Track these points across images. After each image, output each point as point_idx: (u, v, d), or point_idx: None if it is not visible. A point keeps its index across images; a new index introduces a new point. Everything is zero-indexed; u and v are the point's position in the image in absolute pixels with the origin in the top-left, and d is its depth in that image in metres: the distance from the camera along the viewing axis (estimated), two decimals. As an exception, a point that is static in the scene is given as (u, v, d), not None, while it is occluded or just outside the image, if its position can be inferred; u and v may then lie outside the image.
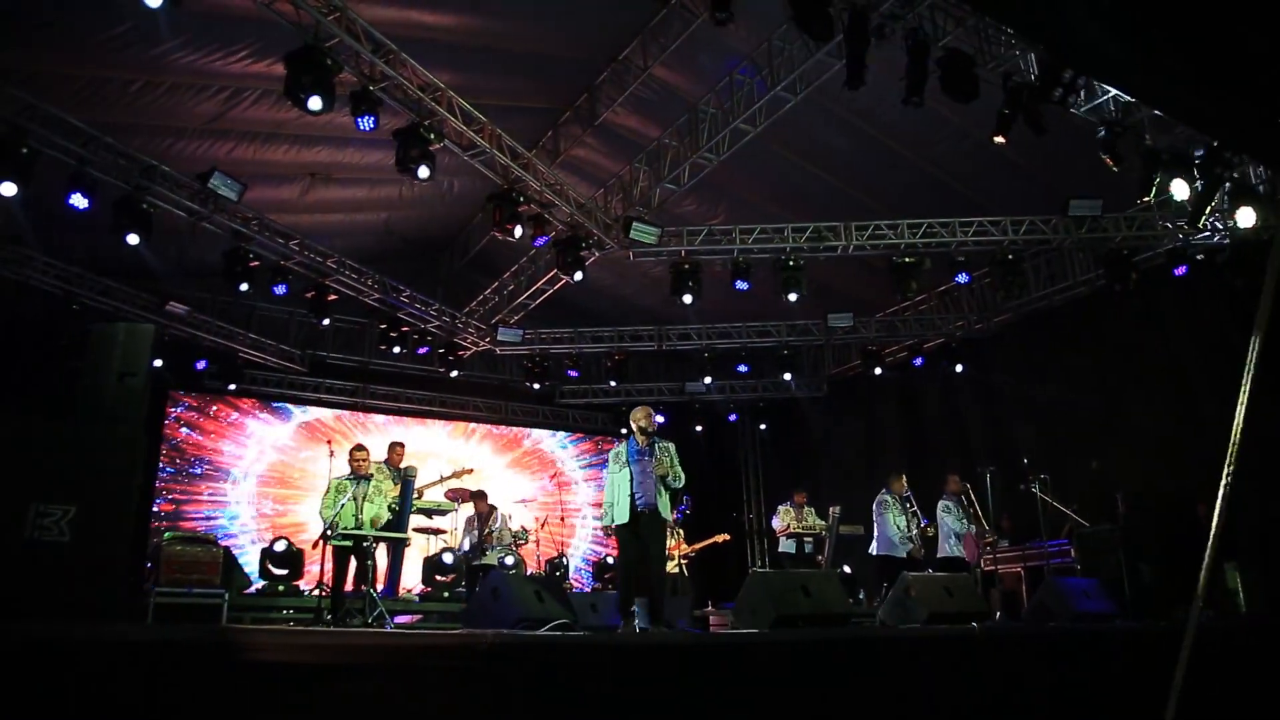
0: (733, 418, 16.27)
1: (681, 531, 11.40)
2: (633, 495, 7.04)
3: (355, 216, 12.39)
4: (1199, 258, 10.33)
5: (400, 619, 8.34)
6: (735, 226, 10.73)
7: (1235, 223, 9.09)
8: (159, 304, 11.59)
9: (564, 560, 12.00)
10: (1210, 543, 4.76)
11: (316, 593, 7.52)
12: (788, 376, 14.16)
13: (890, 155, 10.52)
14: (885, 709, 5.68)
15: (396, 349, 12.44)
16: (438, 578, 9.34)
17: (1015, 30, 7.13)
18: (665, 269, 11.02)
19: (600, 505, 7.96)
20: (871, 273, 12.05)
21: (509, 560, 10.63)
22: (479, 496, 10.70)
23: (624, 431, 8.05)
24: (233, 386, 12.90)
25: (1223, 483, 4.85)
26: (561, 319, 13.93)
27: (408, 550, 9.64)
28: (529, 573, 11.14)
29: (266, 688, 3.79)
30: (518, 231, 9.12)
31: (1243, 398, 4.86)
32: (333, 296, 11.22)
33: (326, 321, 11.80)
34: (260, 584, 8.67)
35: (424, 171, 7.84)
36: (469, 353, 13.60)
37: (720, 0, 6.42)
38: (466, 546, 10.11)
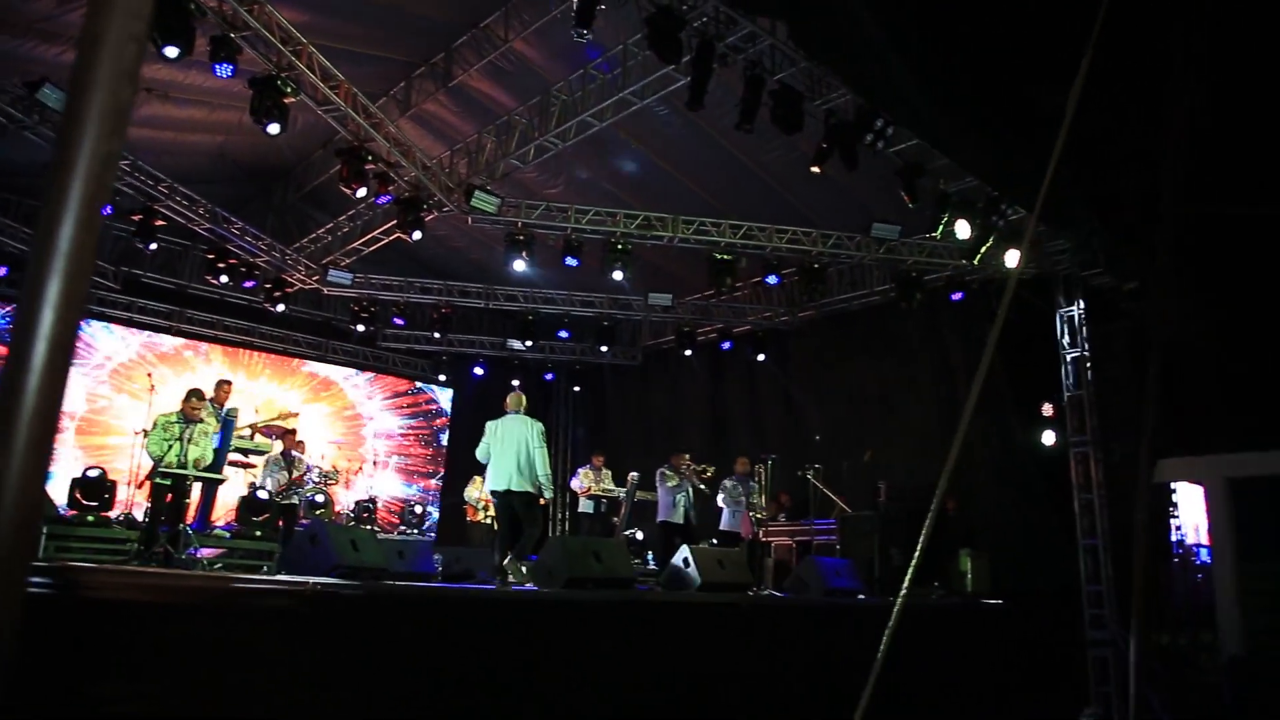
0: (549, 377, 16.90)
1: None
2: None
3: (189, 137, 12.04)
4: (974, 287, 11.79)
5: (206, 552, 8.52)
6: (571, 206, 11.26)
7: (1004, 262, 10.50)
8: (-41, 204, 10.97)
9: (372, 504, 12.33)
10: (924, 532, 5.81)
11: (127, 525, 7.58)
12: (605, 349, 14.93)
13: (725, 155, 11.24)
14: (661, 663, 6.54)
15: (224, 279, 12.24)
16: (251, 516, 9.51)
17: (842, 80, 8.01)
18: (501, 231, 11.46)
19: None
20: (693, 256, 12.87)
21: (319, 499, 10.91)
22: (289, 435, 10.87)
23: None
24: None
25: (940, 486, 5.95)
26: (393, 261, 14.02)
27: (221, 486, 9.73)
28: (336, 511, 11.45)
29: (102, 626, 4.11)
30: (362, 191, 9.33)
31: (966, 416, 5.94)
32: (160, 221, 10.96)
33: (154, 246, 11.49)
34: (68, 513, 8.58)
35: (274, 129, 7.92)
36: (295, 289, 13.54)
37: (583, 18, 6.91)
38: (269, 484, 10.30)
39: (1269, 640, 12.84)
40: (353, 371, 16.13)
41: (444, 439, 16.81)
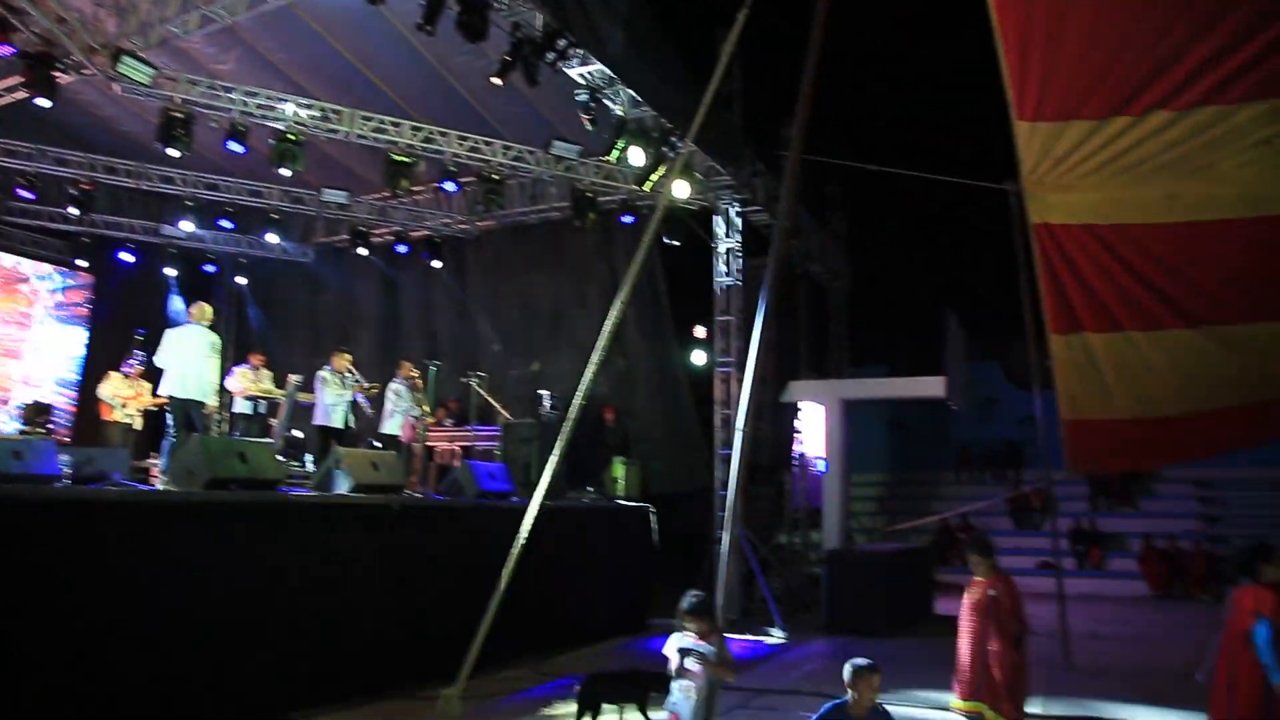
0: (210, 268, 15.70)
1: (148, 384, 10.95)
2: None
3: None
4: (645, 212, 12.48)
5: None
6: (239, 87, 10.44)
7: (671, 192, 11.21)
8: None
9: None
10: (560, 439, 6.27)
11: None
12: (275, 239, 14.14)
13: (413, 54, 10.87)
14: (308, 565, 6.55)
15: None
16: None
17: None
18: (157, 105, 10.40)
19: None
20: (373, 154, 12.43)
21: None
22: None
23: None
24: None
25: (576, 399, 6.45)
26: (21, 124, 12.20)
27: None
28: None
29: None
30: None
31: (606, 332, 6.44)
32: None
33: None
34: None
35: None
36: (-114, 143, 11.48)
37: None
38: None
39: (859, 536, 15.11)
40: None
41: (80, 330, 15.17)
